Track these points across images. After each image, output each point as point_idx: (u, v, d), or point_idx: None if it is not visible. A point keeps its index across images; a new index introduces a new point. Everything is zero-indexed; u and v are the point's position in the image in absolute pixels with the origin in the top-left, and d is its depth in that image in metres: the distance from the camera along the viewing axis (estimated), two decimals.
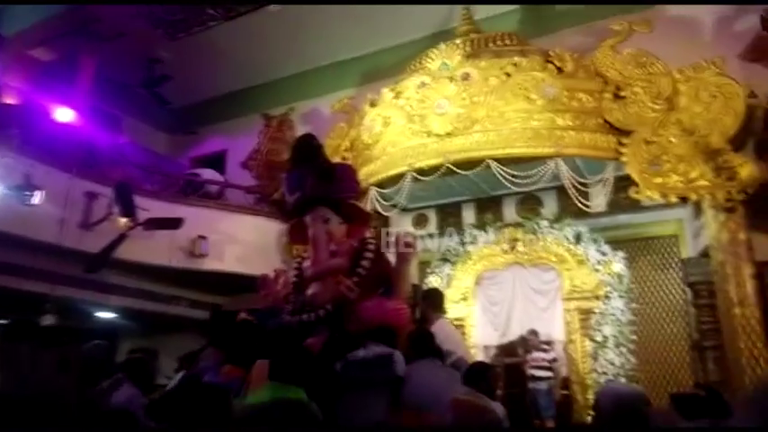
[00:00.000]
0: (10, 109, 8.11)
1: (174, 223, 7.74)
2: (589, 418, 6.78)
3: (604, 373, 6.92)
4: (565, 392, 7.21)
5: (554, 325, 7.53)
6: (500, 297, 7.95)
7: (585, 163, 6.85)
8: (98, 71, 9.38)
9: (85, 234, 7.40)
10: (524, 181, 6.65)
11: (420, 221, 8.90)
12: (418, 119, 7.06)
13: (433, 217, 8.91)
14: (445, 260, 8.28)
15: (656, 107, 6.29)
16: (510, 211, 8.33)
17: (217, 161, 11.08)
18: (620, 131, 6.45)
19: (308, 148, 4.83)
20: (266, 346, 3.30)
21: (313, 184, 4.70)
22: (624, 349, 6.99)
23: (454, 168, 6.82)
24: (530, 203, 8.20)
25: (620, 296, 7.18)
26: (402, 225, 8.50)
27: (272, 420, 2.04)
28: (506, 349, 7.83)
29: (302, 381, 2.92)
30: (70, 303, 8.14)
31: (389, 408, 3.55)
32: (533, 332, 7.32)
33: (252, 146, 9.75)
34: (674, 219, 7.62)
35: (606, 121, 6.52)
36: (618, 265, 7.33)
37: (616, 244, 7.53)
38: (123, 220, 7.34)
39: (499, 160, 6.64)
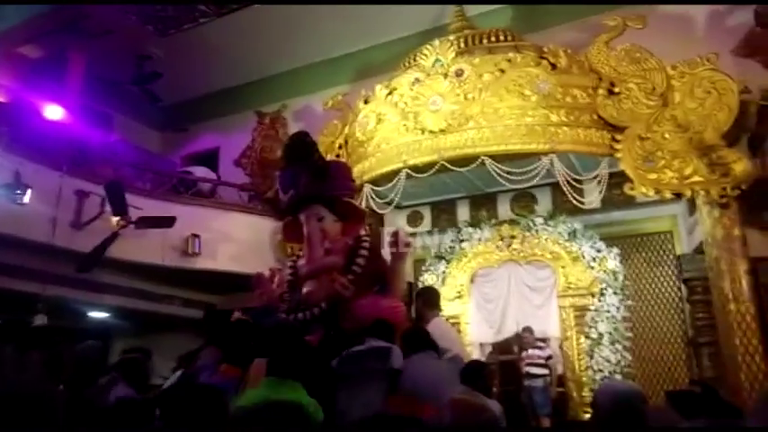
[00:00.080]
0: None
1: (167, 222, 7.68)
2: (585, 416, 6.80)
3: (600, 371, 6.93)
4: (560, 390, 7.21)
5: (549, 322, 7.52)
6: (495, 294, 7.93)
7: (580, 159, 6.84)
8: (88, 68, 9.29)
9: (77, 233, 7.33)
10: (519, 178, 6.63)
11: (414, 219, 8.87)
12: (412, 115, 7.03)
13: (427, 214, 8.87)
14: (440, 258, 8.26)
15: (651, 103, 6.28)
16: (504, 209, 8.31)
17: (209, 159, 11.01)
18: (614, 127, 6.44)
19: (302, 145, 4.79)
20: (264, 343, 3.27)
21: (307, 182, 4.67)
22: (619, 346, 7.00)
23: (448, 165, 6.80)
24: (524, 200, 8.18)
25: (615, 293, 7.19)
26: (396, 222, 8.47)
27: (265, 422, 2.01)
28: (502, 347, 7.84)
29: (300, 375, 2.90)
30: (62, 303, 8.07)
31: (386, 397, 3.54)
32: (528, 329, 7.31)
33: (245, 143, 9.70)
34: (669, 215, 7.63)
35: (600, 117, 6.51)
36: (612, 261, 7.33)
37: (610, 241, 7.54)
38: (115, 219, 7.28)
39: (493, 157, 6.62)
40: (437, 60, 7.08)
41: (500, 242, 7.95)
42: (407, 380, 3.59)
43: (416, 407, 3.20)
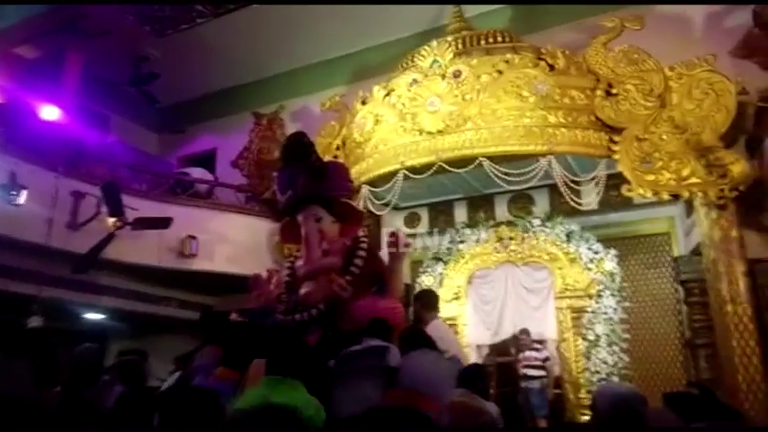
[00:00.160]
0: None
1: (163, 223, 7.66)
2: (582, 417, 6.79)
3: (597, 372, 6.94)
4: (557, 391, 7.20)
5: (546, 324, 7.52)
6: (492, 296, 7.93)
7: (577, 161, 6.83)
8: (85, 69, 9.25)
9: (73, 234, 7.30)
10: (516, 179, 6.62)
11: (412, 220, 8.86)
12: (410, 116, 7.01)
13: (424, 215, 8.87)
14: (437, 259, 8.26)
15: (648, 104, 6.28)
16: (502, 210, 8.31)
17: (207, 160, 10.98)
18: (611, 129, 6.44)
19: (300, 146, 4.78)
20: (264, 344, 3.25)
21: (305, 183, 4.65)
22: (616, 348, 7.01)
23: (446, 166, 6.79)
24: (522, 202, 8.19)
25: (612, 294, 7.20)
26: (394, 224, 8.46)
27: (258, 426, 1.99)
28: (499, 348, 7.83)
29: (300, 374, 2.88)
30: (58, 304, 8.03)
31: (383, 393, 3.53)
32: (525, 331, 7.30)
33: (242, 144, 9.68)
34: (666, 216, 7.64)
35: (598, 119, 6.50)
36: (610, 263, 7.34)
37: (608, 242, 7.55)
38: (111, 220, 7.26)
39: (491, 158, 6.61)
40: (435, 61, 7.08)
41: (497, 243, 7.95)
42: (405, 375, 3.58)
43: (415, 400, 3.18)
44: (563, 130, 6.52)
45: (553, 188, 7.24)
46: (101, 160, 8.57)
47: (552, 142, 6.45)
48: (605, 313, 7.10)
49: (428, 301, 5.15)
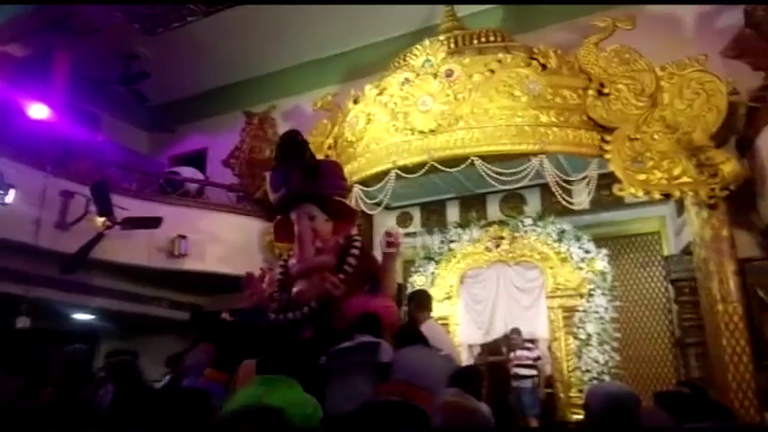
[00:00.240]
0: None
1: (153, 222, 7.61)
2: (573, 416, 6.81)
3: (588, 371, 6.95)
4: (549, 390, 7.21)
5: (538, 323, 7.52)
6: (484, 295, 7.93)
7: (569, 160, 6.85)
8: (74, 68, 9.16)
9: (62, 234, 7.24)
10: (508, 178, 6.63)
11: (404, 220, 8.86)
12: (402, 116, 7.00)
13: (416, 215, 8.87)
14: (429, 259, 8.24)
15: (640, 104, 6.29)
16: (494, 209, 8.32)
17: (197, 159, 10.92)
18: (603, 128, 6.45)
19: (294, 144, 4.75)
20: (258, 343, 3.23)
21: (298, 181, 4.63)
22: (607, 347, 7.02)
23: (438, 166, 6.78)
24: (513, 201, 8.20)
25: (603, 294, 7.21)
26: (386, 223, 8.43)
27: (242, 427, 1.97)
28: (490, 348, 7.83)
29: (296, 372, 2.86)
30: (47, 305, 7.96)
31: (375, 387, 3.52)
32: (516, 331, 7.30)
33: (233, 144, 9.64)
34: (657, 216, 7.67)
35: (590, 118, 6.52)
36: (601, 262, 7.36)
37: (599, 241, 7.56)
38: (100, 220, 7.19)
39: (483, 157, 6.61)
40: (427, 60, 7.06)
41: (489, 243, 7.95)
42: (398, 370, 3.58)
43: (409, 393, 3.17)
44: (555, 129, 6.53)
45: (545, 188, 7.24)
46: (90, 159, 8.50)
47: (544, 142, 6.46)
48: (596, 312, 7.11)
49: (421, 301, 5.14)
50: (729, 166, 5.73)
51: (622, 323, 7.37)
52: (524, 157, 6.56)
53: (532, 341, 7.35)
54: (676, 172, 5.98)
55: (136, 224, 7.47)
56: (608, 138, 6.35)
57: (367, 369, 3.62)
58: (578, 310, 7.22)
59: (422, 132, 6.84)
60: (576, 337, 7.16)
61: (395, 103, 7.09)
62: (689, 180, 5.91)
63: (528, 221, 7.81)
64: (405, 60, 7.36)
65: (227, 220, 8.89)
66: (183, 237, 8.27)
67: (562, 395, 7.12)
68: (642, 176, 6.12)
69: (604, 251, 7.42)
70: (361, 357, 3.67)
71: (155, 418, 2.65)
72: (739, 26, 6.38)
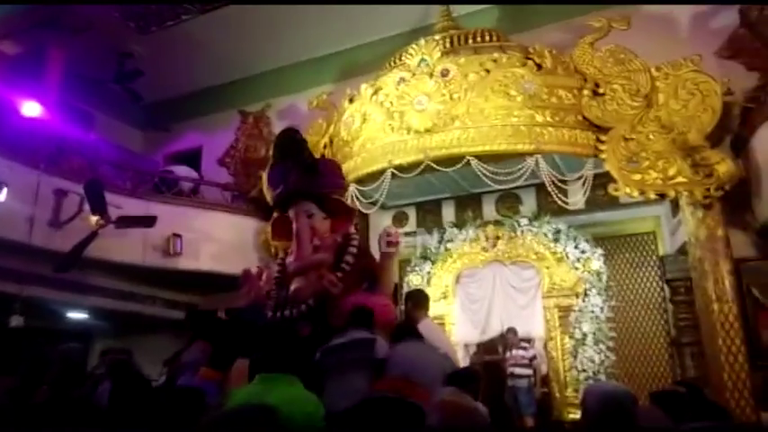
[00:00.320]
0: None
1: (148, 221, 7.57)
2: (569, 415, 6.82)
3: (584, 371, 6.97)
4: (545, 390, 7.22)
5: (533, 322, 7.53)
6: (480, 295, 7.93)
7: (564, 160, 6.85)
8: (68, 66, 9.11)
9: (55, 232, 7.19)
10: (504, 178, 6.62)
11: (400, 219, 8.85)
12: (397, 115, 6.99)
13: (412, 215, 8.87)
14: (425, 258, 8.24)
15: (635, 104, 6.30)
16: (489, 209, 8.33)
17: (192, 158, 10.86)
18: (598, 128, 6.46)
19: (292, 142, 4.76)
20: (255, 341, 3.21)
21: (297, 179, 4.63)
22: (603, 346, 7.04)
23: (434, 165, 6.77)
24: (509, 201, 8.21)
25: (599, 293, 7.23)
26: (382, 223, 8.43)
27: (233, 426, 1.95)
28: (486, 347, 7.83)
29: (296, 369, 2.84)
30: (40, 303, 7.92)
31: (372, 383, 3.51)
32: (512, 330, 7.32)
33: (228, 142, 9.60)
34: (652, 216, 7.69)
35: (585, 118, 6.51)
36: (596, 262, 7.38)
37: (594, 241, 7.57)
38: (94, 218, 7.14)
39: (479, 157, 6.60)
40: (423, 60, 7.05)
41: (485, 243, 7.96)
42: (394, 365, 3.58)
43: (405, 388, 3.16)
44: (550, 129, 6.52)
45: (540, 187, 7.26)
46: (83, 157, 8.45)
47: (539, 141, 6.46)
48: (592, 312, 7.14)
49: (418, 300, 5.13)
50: (724, 166, 5.73)
51: (618, 323, 7.39)
52: (520, 156, 6.56)
53: (528, 340, 7.37)
54: (671, 172, 5.99)
55: (130, 223, 7.43)
56: (603, 138, 6.36)
57: (363, 365, 3.62)
58: (574, 310, 7.26)
59: (417, 132, 6.83)
60: (571, 337, 7.18)
61: (390, 103, 7.08)
62: (684, 180, 5.92)
63: (524, 221, 7.83)
64: (400, 60, 7.35)
65: (221, 219, 8.86)
66: (178, 235, 8.24)
67: (558, 394, 7.14)
68: (637, 176, 6.13)
69: (600, 251, 7.44)
70: (358, 354, 3.67)
71: (149, 417, 2.63)
72: (734, 26, 6.40)
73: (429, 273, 8.14)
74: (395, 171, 6.94)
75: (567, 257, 7.47)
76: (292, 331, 3.56)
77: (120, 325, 9.72)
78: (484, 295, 7.89)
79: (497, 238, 7.90)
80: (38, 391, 3.91)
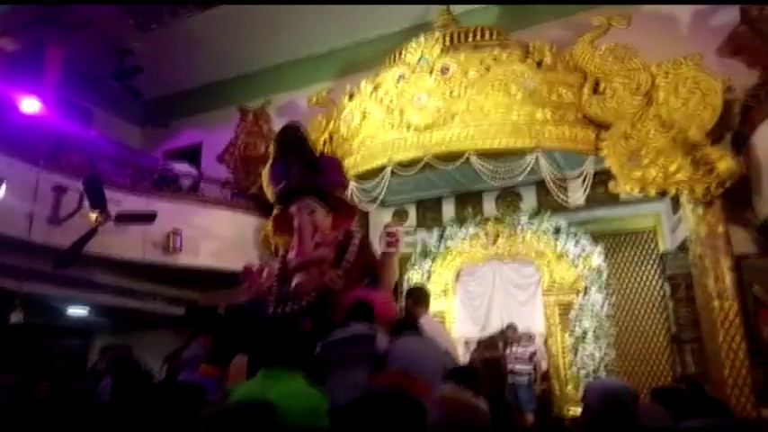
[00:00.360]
0: None
1: (148, 217, 7.56)
2: (569, 412, 6.82)
3: (584, 367, 6.98)
4: (545, 386, 7.22)
5: (534, 319, 7.54)
6: (480, 291, 7.94)
7: (565, 157, 6.85)
8: (67, 62, 9.09)
9: (55, 228, 7.18)
10: (504, 175, 6.62)
11: (400, 216, 8.84)
12: (397, 112, 6.99)
13: (412, 212, 8.87)
14: (425, 255, 8.23)
15: (635, 101, 6.29)
16: (490, 206, 8.33)
17: (192, 154, 10.85)
18: (599, 125, 6.46)
19: (294, 138, 4.76)
20: (257, 336, 3.21)
21: (299, 175, 4.64)
22: (603, 343, 7.04)
23: (434, 162, 6.76)
24: (509, 198, 8.21)
25: (599, 290, 7.22)
26: (381, 220, 8.41)
27: (232, 423, 1.95)
28: (486, 344, 7.82)
29: (299, 364, 2.83)
30: (40, 300, 7.91)
31: (372, 377, 3.51)
32: (512, 327, 7.33)
33: (227, 139, 9.58)
34: (652, 213, 7.66)
35: (585, 116, 6.51)
36: (597, 259, 7.38)
37: (595, 238, 7.56)
38: (94, 215, 7.13)
39: (479, 154, 6.59)
40: (422, 57, 7.05)
41: (485, 240, 7.96)
42: (394, 359, 3.58)
43: (405, 382, 3.16)
44: (550, 126, 6.52)
45: (540, 185, 7.25)
46: (83, 154, 8.44)
47: (540, 138, 6.46)
48: (592, 308, 7.14)
49: (419, 297, 5.12)
50: (725, 163, 5.73)
51: (618, 319, 7.38)
52: (520, 153, 6.55)
53: (528, 337, 7.36)
54: (672, 169, 5.98)
55: (130, 219, 7.42)
56: (603, 135, 6.36)
57: (364, 360, 3.62)
58: (574, 307, 7.26)
59: (417, 129, 6.83)
60: (571, 334, 7.19)
61: (390, 100, 7.08)
62: (684, 177, 5.91)
63: (524, 218, 7.83)
64: (400, 57, 7.34)
65: (221, 215, 8.85)
66: (178, 232, 8.23)
67: (558, 391, 7.16)
68: (638, 174, 6.12)
69: (600, 248, 7.44)
70: (358, 348, 3.66)
71: (148, 414, 2.63)
72: (734, 24, 6.39)
73: (429, 269, 8.15)
74: (395, 168, 6.93)
75: (568, 254, 7.47)
76: (295, 325, 3.56)
77: (120, 321, 9.71)
78: (484, 292, 7.91)
79: (497, 235, 7.90)
80: (38, 388, 3.92)
